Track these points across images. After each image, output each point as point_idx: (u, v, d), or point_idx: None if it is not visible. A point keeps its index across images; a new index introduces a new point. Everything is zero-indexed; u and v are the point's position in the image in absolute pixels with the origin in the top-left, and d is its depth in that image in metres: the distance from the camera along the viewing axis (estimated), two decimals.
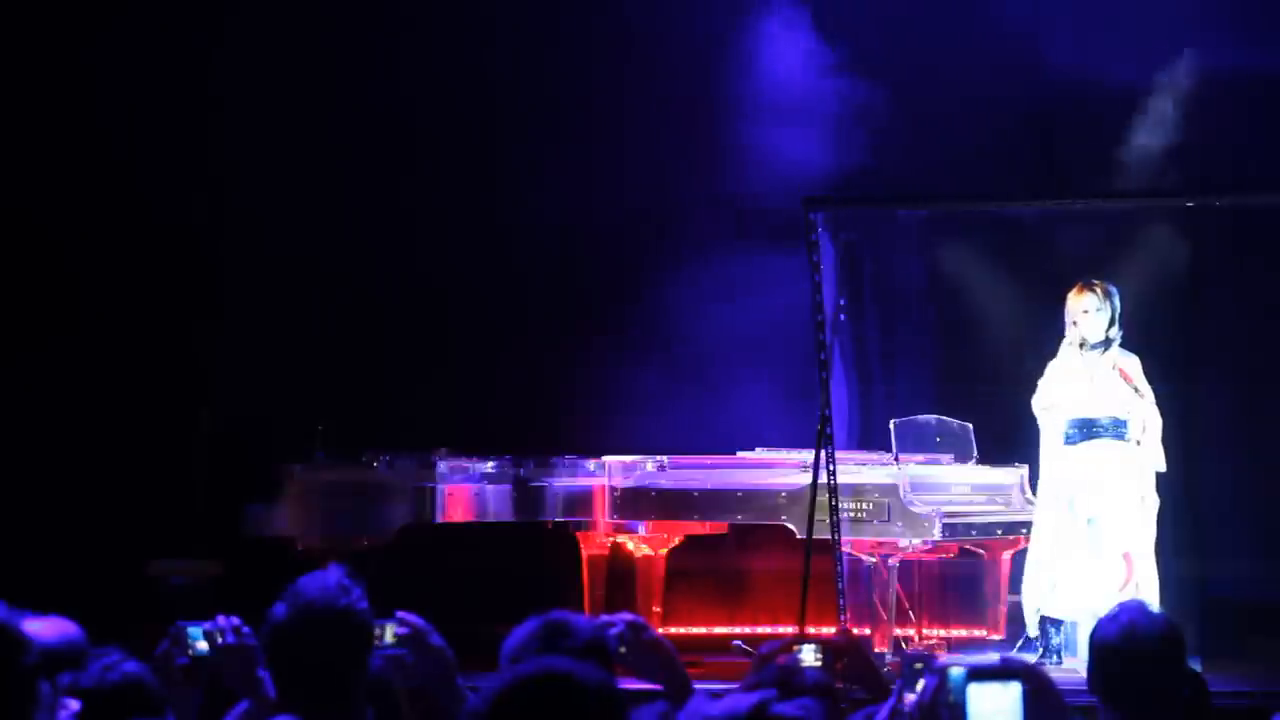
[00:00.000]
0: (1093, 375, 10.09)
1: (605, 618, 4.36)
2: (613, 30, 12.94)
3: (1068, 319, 10.12)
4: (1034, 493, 10.38)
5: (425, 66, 13.03)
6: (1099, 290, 10.11)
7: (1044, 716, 3.74)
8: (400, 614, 4.30)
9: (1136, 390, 10.09)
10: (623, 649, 4.31)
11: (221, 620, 4.41)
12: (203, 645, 4.39)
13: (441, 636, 4.33)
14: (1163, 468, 10.07)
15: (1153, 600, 9.56)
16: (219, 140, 12.99)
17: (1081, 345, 10.10)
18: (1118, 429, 10.07)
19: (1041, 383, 10.17)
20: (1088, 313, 10.08)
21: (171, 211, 13.08)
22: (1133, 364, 10.15)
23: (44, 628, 4.15)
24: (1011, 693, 3.25)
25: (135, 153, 13.06)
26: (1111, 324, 10.13)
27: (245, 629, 4.40)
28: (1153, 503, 10.04)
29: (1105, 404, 10.08)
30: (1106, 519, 9.99)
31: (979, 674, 3.27)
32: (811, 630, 9.36)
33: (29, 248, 12.95)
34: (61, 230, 13.00)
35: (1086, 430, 10.08)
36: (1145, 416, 10.08)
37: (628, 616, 4.40)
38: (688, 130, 12.85)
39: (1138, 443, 10.06)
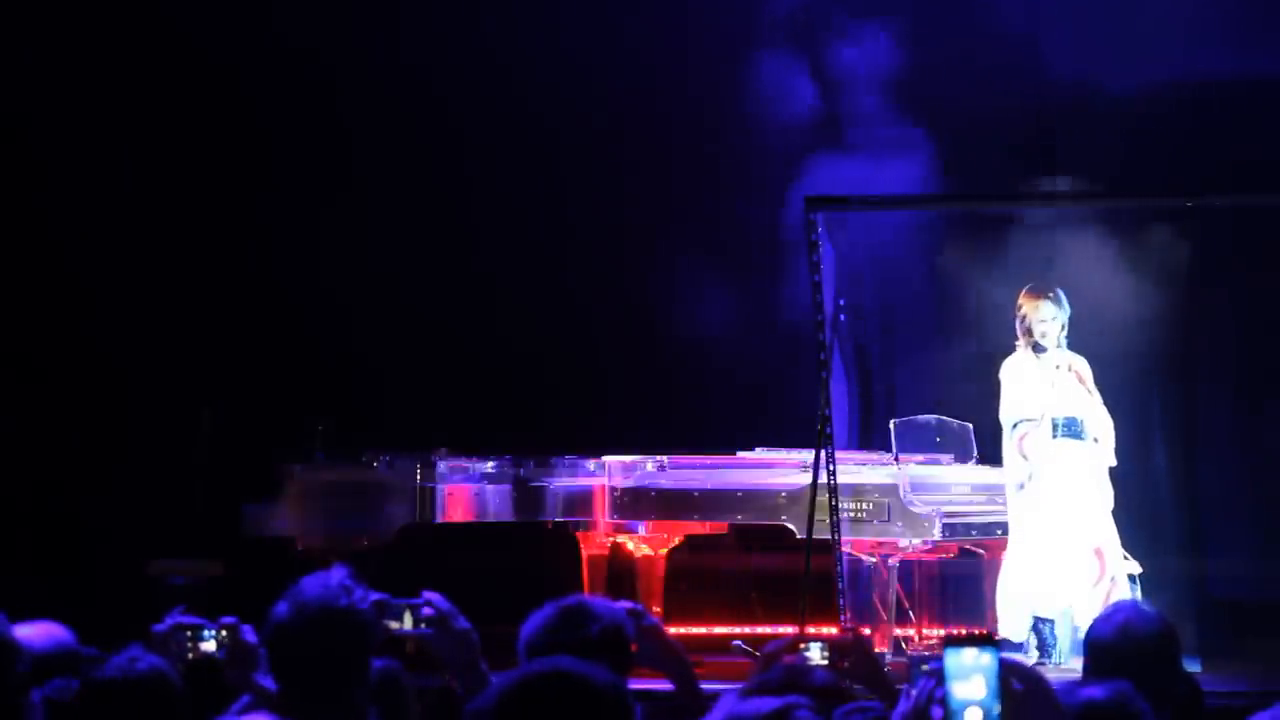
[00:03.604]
0: (1048, 377, 10.16)
1: (610, 604, 4.32)
2: (611, 31, 12.94)
3: (1020, 323, 10.21)
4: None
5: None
6: (1054, 296, 10.19)
7: (1038, 717, 3.75)
8: (426, 594, 4.27)
9: (1089, 391, 10.18)
10: None
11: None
12: (209, 646, 4.39)
13: (467, 619, 4.30)
14: (1114, 463, 10.15)
15: (1127, 593, 9.74)
16: (223, 141, 12.99)
17: (1034, 348, 10.18)
18: (1075, 428, 10.14)
19: (1005, 390, 10.22)
20: (1046, 321, 10.17)
21: (172, 211, 13.08)
22: (1083, 365, 10.24)
23: (34, 634, 4.12)
24: (986, 660, 3.26)
25: (136, 154, 13.07)
26: (1063, 328, 10.22)
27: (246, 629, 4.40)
28: (1110, 498, 10.18)
29: (1062, 404, 10.18)
30: (1073, 516, 10.12)
31: (954, 641, 3.29)
32: (811, 630, 9.35)
33: (31, 246, 12.95)
34: (63, 229, 12.99)
35: (1048, 430, 10.15)
36: (1098, 416, 10.15)
37: (627, 604, 4.37)
38: (688, 131, 12.84)
39: (1095, 440, 10.15)
